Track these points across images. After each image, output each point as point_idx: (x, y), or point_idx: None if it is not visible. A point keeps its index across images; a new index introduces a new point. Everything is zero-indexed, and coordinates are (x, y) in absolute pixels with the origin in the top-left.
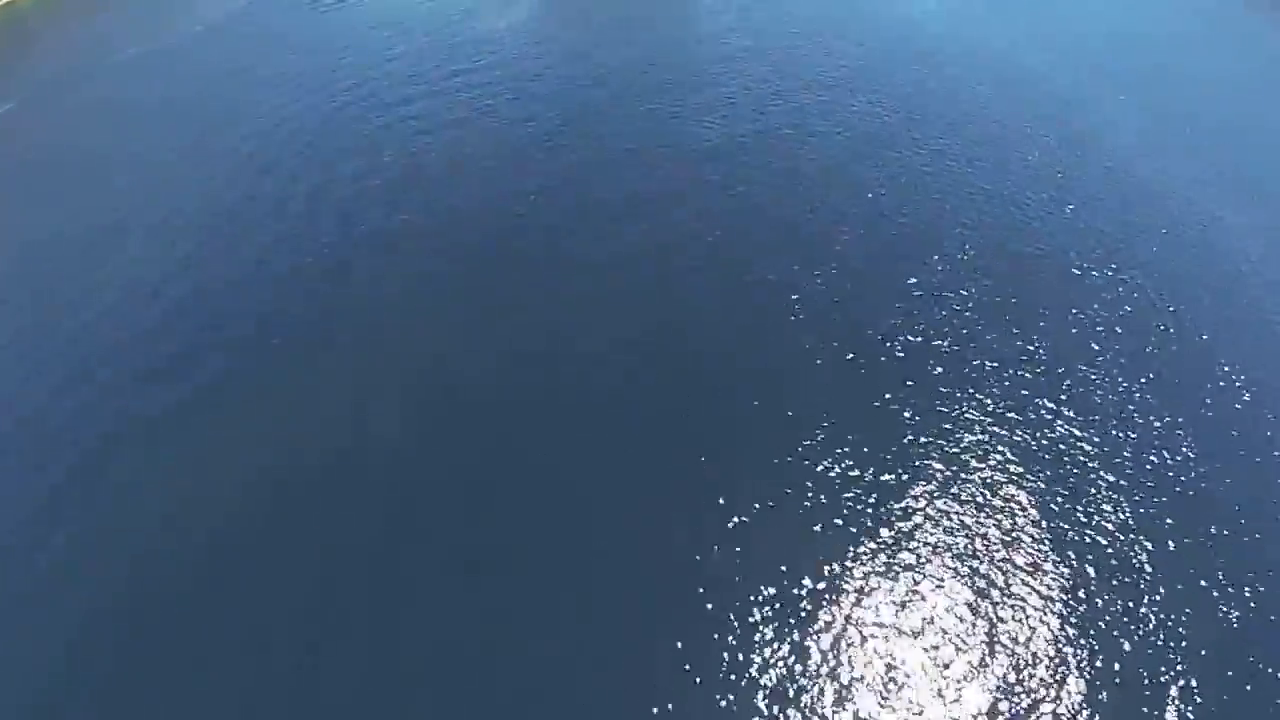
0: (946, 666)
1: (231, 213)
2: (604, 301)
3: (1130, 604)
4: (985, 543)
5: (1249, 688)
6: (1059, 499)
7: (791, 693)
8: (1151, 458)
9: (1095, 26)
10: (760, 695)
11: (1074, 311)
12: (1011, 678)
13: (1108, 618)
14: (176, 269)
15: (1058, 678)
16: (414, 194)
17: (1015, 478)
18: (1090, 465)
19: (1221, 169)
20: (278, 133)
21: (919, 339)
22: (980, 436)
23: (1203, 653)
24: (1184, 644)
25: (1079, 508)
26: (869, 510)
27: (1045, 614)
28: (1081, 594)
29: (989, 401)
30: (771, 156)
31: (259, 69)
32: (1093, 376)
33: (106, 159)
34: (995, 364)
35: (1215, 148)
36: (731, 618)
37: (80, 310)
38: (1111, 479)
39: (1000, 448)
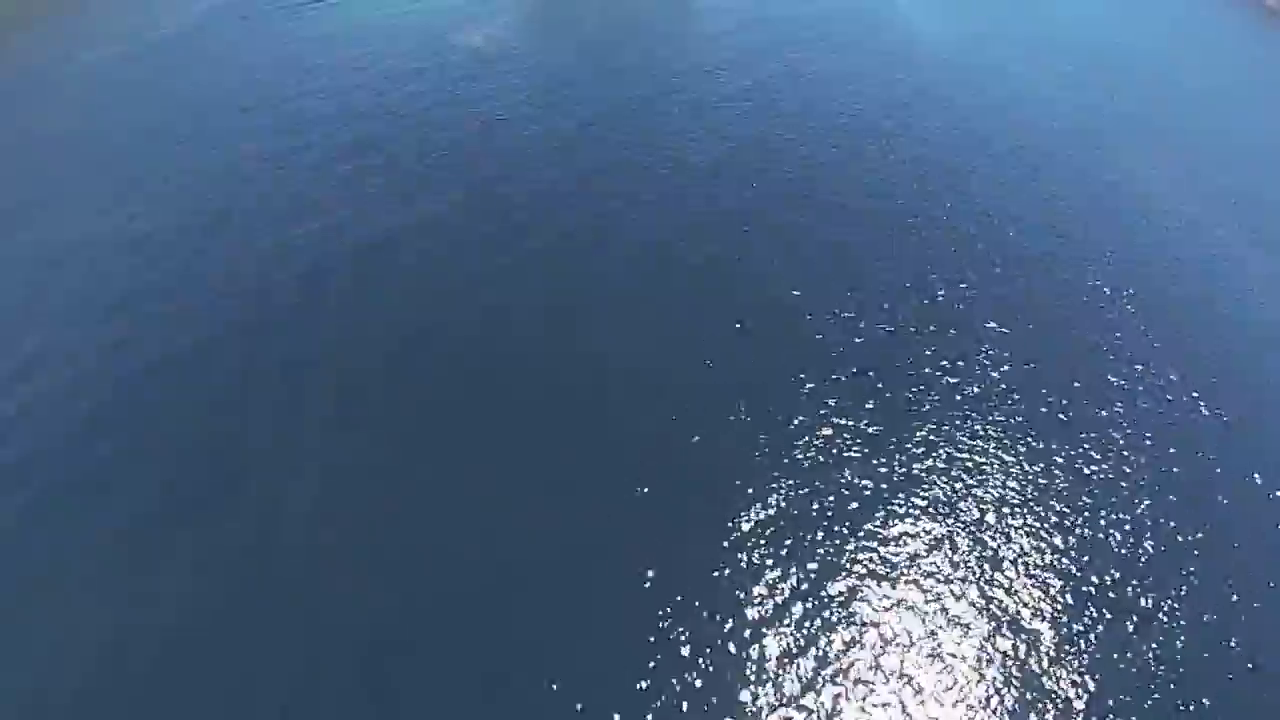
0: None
1: (162, 287)
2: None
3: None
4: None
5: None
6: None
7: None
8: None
9: (1087, 37)
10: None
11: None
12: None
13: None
14: (100, 356)
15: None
16: (369, 284)
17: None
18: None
19: (1215, 177)
20: (229, 177)
21: (923, 345)
22: (987, 458)
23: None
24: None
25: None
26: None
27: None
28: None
29: (997, 417)
30: (775, 214)
31: (215, 90)
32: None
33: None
34: (997, 371)
35: (1212, 159)
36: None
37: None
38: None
39: (1006, 469)
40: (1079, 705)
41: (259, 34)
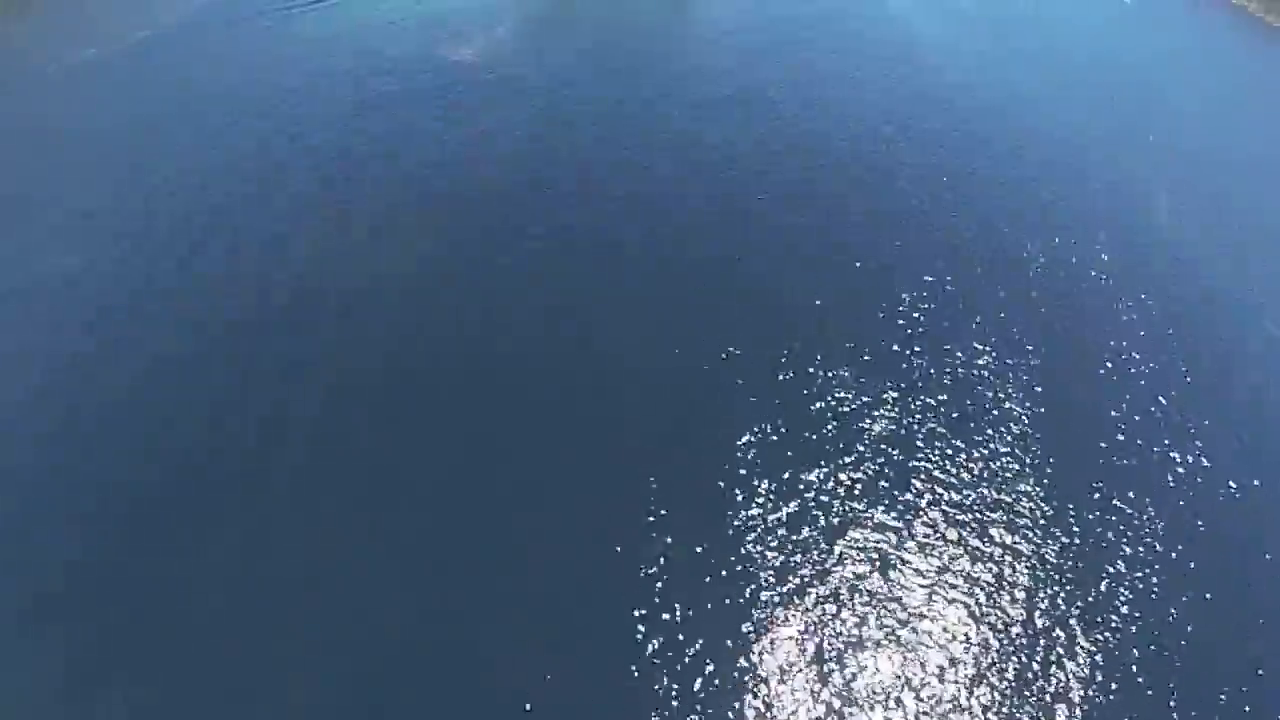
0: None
1: (162, 287)
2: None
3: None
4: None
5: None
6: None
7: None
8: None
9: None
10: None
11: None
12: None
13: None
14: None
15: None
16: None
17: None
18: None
19: (1214, 180)
20: (229, 176)
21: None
22: (991, 448)
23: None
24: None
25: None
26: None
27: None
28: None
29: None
30: (776, 216)
31: (212, 90)
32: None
33: None
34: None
35: (1210, 163)
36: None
37: None
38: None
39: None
40: None
41: (258, 38)
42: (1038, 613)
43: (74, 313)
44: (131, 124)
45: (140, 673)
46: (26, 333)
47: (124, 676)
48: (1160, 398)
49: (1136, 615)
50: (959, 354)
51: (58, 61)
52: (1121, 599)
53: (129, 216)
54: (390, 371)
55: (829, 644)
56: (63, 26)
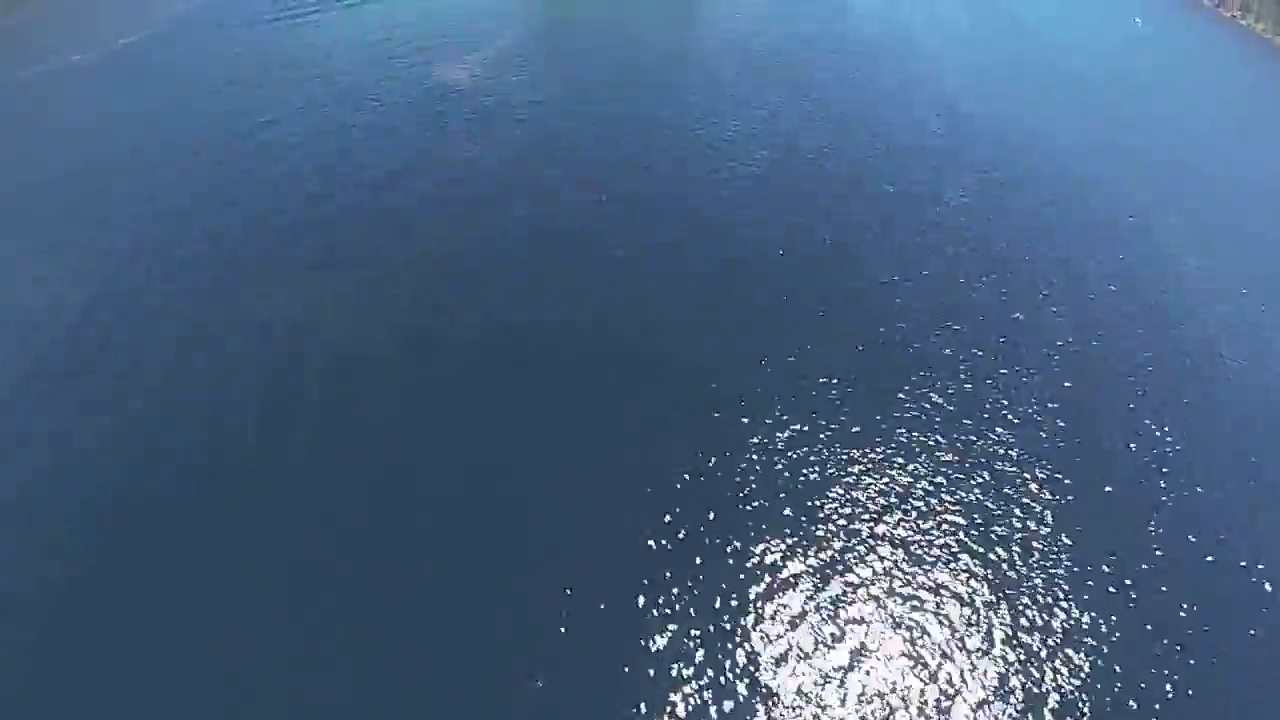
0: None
1: (162, 287)
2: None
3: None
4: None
5: None
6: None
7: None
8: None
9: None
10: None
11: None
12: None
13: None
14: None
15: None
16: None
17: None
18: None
19: (1211, 192)
20: (231, 186)
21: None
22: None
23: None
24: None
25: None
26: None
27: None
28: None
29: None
30: (777, 219)
31: (191, 95)
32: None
33: None
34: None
35: (1207, 179)
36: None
37: None
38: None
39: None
40: None
41: (259, 42)
42: None
43: (73, 313)
44: (130, 123)
45: (139, 673)
46: (25, 333)
47: (123, 676)
48: (1196, 484)
49: None
50: (968, 383)
51: (56, 59)
52: None
53: (127, 218)
54: (390, 373)
55: None
56: (59, 26)
